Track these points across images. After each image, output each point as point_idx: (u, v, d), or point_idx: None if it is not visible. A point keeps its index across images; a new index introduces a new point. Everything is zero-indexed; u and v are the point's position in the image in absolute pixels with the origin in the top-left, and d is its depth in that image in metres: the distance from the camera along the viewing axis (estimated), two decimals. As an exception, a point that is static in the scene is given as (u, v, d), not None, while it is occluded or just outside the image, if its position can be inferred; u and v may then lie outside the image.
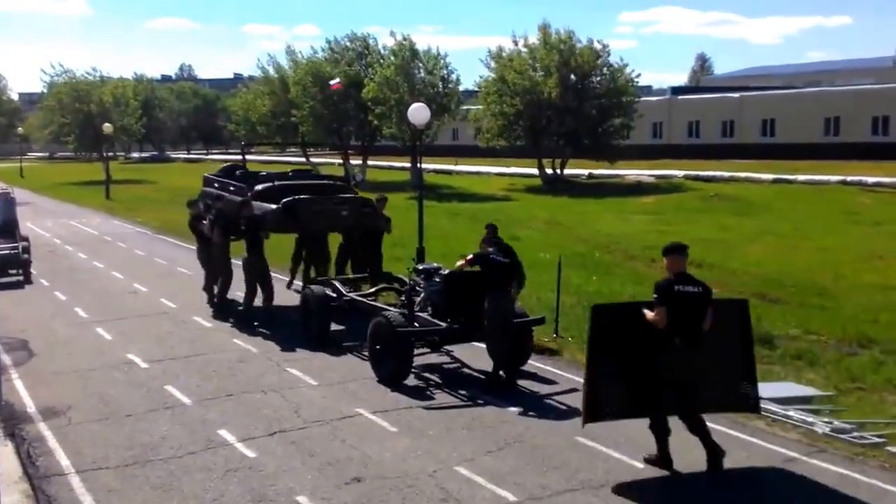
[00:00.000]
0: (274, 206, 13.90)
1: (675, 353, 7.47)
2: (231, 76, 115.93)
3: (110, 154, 54.53)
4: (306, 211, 13.98)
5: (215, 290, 15.07)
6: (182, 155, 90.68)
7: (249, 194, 14.41)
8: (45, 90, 64.02)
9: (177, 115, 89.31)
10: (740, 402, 8.26)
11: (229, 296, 14.93)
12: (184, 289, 17.05)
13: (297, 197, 14.03)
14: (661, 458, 7.72)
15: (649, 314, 7.60)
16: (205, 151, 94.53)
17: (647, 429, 7.75)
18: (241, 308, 14.31)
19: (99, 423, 9.22)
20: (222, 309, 14.66)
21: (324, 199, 14.58)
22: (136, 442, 8.62)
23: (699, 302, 7.60)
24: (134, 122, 58.88)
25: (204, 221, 15.18)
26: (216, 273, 15.02)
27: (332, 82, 42.44)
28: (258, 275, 13.99)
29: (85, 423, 9.24)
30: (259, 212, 13.95)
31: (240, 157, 22.36)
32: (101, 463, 8.11)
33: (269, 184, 15.03)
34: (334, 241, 16.09)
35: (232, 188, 15.21)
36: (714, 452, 7.59)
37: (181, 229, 27.04)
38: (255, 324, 13.61)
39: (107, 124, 45.71)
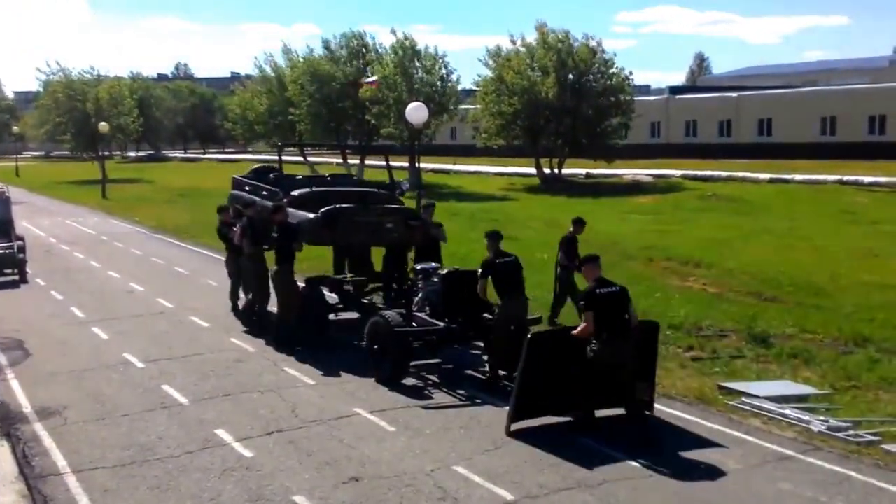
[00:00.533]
0: (311, 216, 12.36)
1: (603, 345, 8.37)
2: (228, 75, 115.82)
3: (106, 153, 54.46)
4: (347, 222, 12.41)
5: (242, 299, 14.17)
6: (179, 154, 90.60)
7: (284, 200, 12.95)
8: (40, 89, 63.63)
9: (173, 113, 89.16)
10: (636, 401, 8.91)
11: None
12: (181, 288, 17.06)
13: (337, 206, 12.44)
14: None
15: (577, 330, 8.57)
16: (202, 151, 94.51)
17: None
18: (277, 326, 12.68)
19: (95, 423, 9.21)
20: (260, 324, 13.23)
21: (367, 210, 12.94)
22: (133, 442, 8.61)
23: (620, 299, 8.59)
24: (131, 121, 58.72)
25: (234, 228, 13.89)
26: (247, 286, 13.88)
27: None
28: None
29: (81, 423, 9.22)
30: (294, 220, 12.52)
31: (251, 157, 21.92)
32: (98, 463, 8.10)
33: (307, 190, 13.54)
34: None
35: (264, 192, 13.88)
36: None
37: (178, 229, 27.13)
38: (298, 349, 12.03)
39: (103, 123, 45.62)
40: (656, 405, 9.37)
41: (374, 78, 39.31)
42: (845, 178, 33.56)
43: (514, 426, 8.67)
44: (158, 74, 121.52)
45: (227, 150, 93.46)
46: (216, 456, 8.20)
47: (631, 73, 41.17)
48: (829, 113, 49.32)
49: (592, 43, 40.43)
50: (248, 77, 61.34)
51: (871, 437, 8.36)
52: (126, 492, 7.47)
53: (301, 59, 48.29)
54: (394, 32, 43.26)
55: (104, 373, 11.16)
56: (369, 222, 12.77)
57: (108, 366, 11.48)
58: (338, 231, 12.40)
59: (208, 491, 7.42)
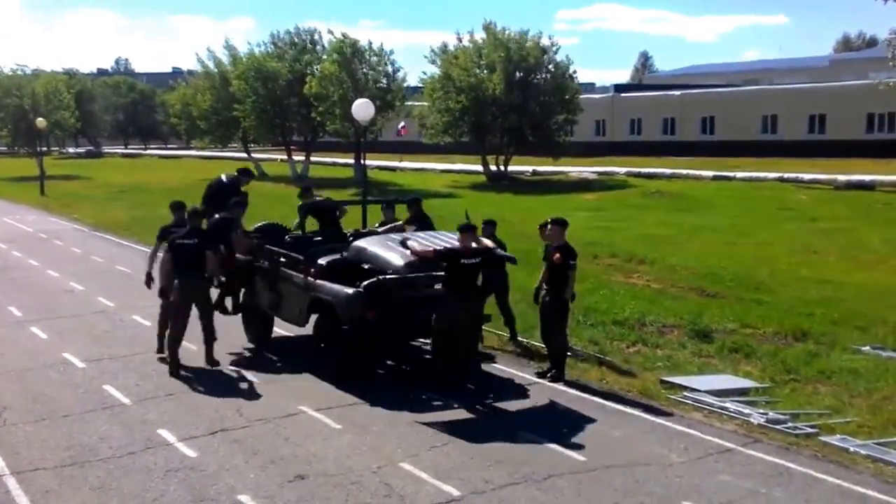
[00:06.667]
0: (350, 291, 10.02)
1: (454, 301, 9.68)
2: (169, 70, 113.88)
3: (44, 149, 53.23)
4: (400, 297, 10.08)
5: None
6: (119, 150, 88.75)
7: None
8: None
9: (113, 109, 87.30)
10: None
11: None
12: (121, 287, 16.72)
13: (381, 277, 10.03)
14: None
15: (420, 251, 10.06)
16: (143, 147, 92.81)
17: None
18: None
19: (35, 424, 9.01)
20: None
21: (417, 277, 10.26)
22: (74, 442, 8.44)
23: (476, 269, 10.00)
24: (68, 116, 57.60)
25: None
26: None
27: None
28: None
29: (21, 424, 9.01)
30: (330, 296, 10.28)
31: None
32: (38, 464, 7.93)
33: (338, 256, 10.86)
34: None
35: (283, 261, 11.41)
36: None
37: (118, 226, 26.61)
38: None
39: (40, 119, 44.62)
40: (602, 400, 9.54)
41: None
42: (786, 175, 34.35)
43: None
44: (98, 69, 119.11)
45: (168, 146, 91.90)
46: (159, 456, 8.08)
47: (575, 72, 41.54)
48: (771, 112, 50.46)
49: (546, 41, 40.62)
50: (191, 73, 60.43)
51: (809, 430, 8.57)
52: (68, 493, 7.32)
53: (244, 56, 47.74)
54: (331, 32, 43.04)
55: (44, 373, 10.91)
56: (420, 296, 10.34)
57: (48, 366, 11.22)
58: (387, 312, 9.97)
59: (151, 491, 7.31)
